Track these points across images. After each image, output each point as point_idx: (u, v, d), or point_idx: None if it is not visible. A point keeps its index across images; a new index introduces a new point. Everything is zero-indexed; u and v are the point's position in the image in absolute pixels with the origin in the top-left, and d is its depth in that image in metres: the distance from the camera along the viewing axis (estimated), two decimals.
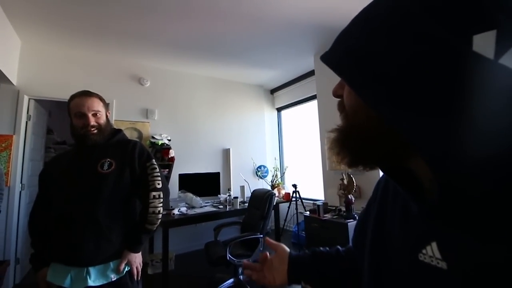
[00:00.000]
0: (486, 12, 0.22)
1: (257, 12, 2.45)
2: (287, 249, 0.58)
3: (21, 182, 2.83)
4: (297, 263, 0.55)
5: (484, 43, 0.21)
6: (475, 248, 0.23)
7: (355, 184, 2.64)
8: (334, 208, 2.78)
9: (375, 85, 0.26)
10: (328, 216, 2.63)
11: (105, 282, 1.07)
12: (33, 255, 1.14)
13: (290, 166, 4.56)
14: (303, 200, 3.45)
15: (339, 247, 0.57)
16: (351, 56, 0.29)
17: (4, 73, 2.46)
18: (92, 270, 1.06)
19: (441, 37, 0.23)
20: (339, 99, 0.35)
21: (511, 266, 0.21)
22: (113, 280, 1.08)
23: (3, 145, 2.68)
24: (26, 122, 2.90)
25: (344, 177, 2.71)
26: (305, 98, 4.28)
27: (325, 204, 2.82)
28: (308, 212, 2.86)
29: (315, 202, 3.08)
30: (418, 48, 0.24)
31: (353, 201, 2.54)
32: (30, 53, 2.92)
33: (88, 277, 1.04)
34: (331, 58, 0.32)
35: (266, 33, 2.86)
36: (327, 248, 0.57)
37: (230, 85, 4.38)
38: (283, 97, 4.81)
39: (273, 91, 4.97)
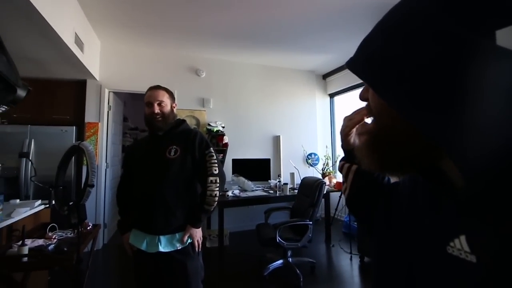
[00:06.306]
0: (507, 6, 0.21)
1: None
2: None
3: (106, 162, 3.39)
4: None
5: (508, 38, 0.21)
6: (505, 243, 0.23)
7: None
8: None
9: (396, 87, 0.27)
10: None
11: (172, 249, 1.26)
12: (120, 221, 1.42)
13: (343, 154, 4.38)
14: None
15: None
16: (372, 61, 0.30)
17: (90, 71, 2.94)
18: (162, 238, 1.26)
19: (461, 35, 0.23)
20: (366, 102, 0.36)
21: None
22: (178, 248, 1.27)
23: (92, 130, 3.23)
24: (108, 112, 3.42)
25: None
26: (360, 83, 3.99)
27: None
28: None
29: None
30: (437, 48, 0.24)
31: None
32: (108, 52, 3.40)
33: (159, 243, 1.25)
34: (354, 64, 0.33)
35: (320, 16, 2.74)
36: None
37: (281, 71, 4.36)
38: (336, 83, 4.58)
39: (325, 76, 4.77)
